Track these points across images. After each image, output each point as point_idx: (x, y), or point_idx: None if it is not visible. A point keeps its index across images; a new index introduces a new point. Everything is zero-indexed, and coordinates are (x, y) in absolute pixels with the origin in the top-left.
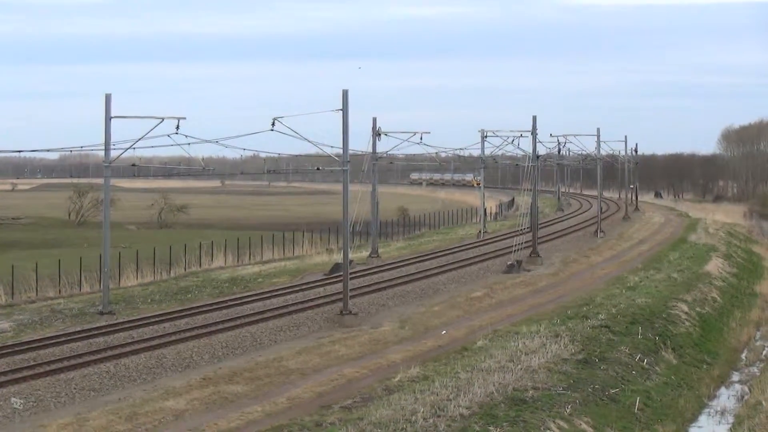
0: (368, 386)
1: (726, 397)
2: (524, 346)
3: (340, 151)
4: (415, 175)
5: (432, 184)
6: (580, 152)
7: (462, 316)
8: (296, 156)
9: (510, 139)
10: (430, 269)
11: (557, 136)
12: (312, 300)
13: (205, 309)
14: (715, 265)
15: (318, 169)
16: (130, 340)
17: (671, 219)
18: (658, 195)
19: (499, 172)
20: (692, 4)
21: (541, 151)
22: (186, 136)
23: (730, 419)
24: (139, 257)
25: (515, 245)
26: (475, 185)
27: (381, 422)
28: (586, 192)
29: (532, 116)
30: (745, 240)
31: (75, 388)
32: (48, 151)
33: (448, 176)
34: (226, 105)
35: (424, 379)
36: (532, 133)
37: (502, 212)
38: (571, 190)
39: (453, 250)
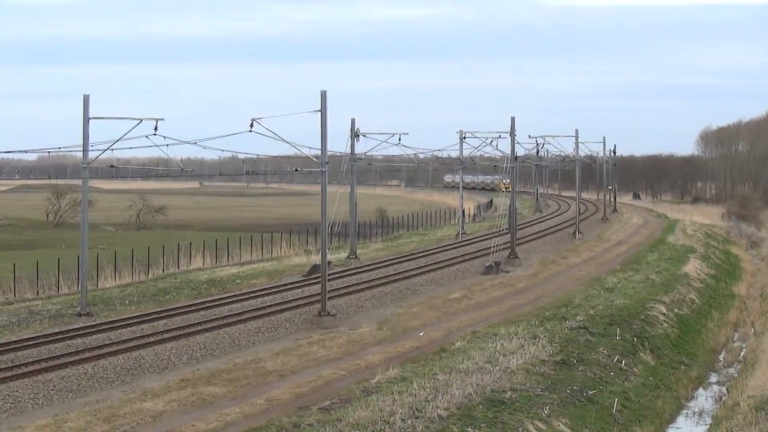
0: (346, 387)
1: (704, 398)
2: (502, 348)
3: (319, 152)
4: (449, 177)
5: (464, 188)
6: (558, 153)
7: (440, 317)
8: (275, 157)
9: (488, 140)
10: (409, 270)
11: (536, 137)
12: (290, 301)
13: (183, 310)
14: (693, 267)
15: (296, 170)
16: (108, 342)
17: (649, 220)
18: (636, 196)
19: (477, 173)
20: (669, 6)
21: (520, 152)
22: (164, 137)
23: (708, 420)
24: (117, 258)
25: (493, 246)
26: (503, 189)
27: (359, 423)
28: (564, 193)
29: (511, 117)
30: (723, 241)
31: (53, 390)
32: (26, 152)
33: (480, 178)
34: (205, 106)
35: (403, 381)
36: (510, 134)
37: (480, 213)
38: (550, 192)
39: (431, 252)
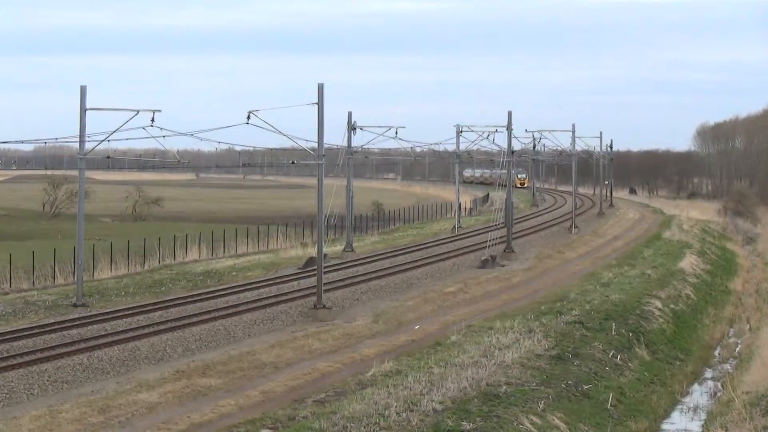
0: (341, 380)
1: (699, 394)
2: (498, 342)
3: (315, 145)
4: (468, 172)
5: (482, 183)
6: (555, 148)
7: (436, 310)
8: (271, 149)
9: (485, 135)
10: (404, 264)
11: (532, 132)
12: (286, 294)
13: (179, 302)
14: (689, 262)
15: (293, 162)
16: (103, 333)
17: (646, 215)
18: (632, 191)
19: (474, 166)
20: (668, 2)
21: (517, 146)
22: (161, 129)
23: (703, 416)
24: (114, 250)
25: (490, 240)
26: (518, 185)
27: (354, 416)
28: (561, 188)
29: (508, 112)
30: (720, 237)
31: (48, 380)
32: (22, 142)
33: (499, 173)
34: (202, 98)
35: (398, 374)
36: (507, 129)
37: (477, 207)
38: (546, 186)
39: (427, 245)
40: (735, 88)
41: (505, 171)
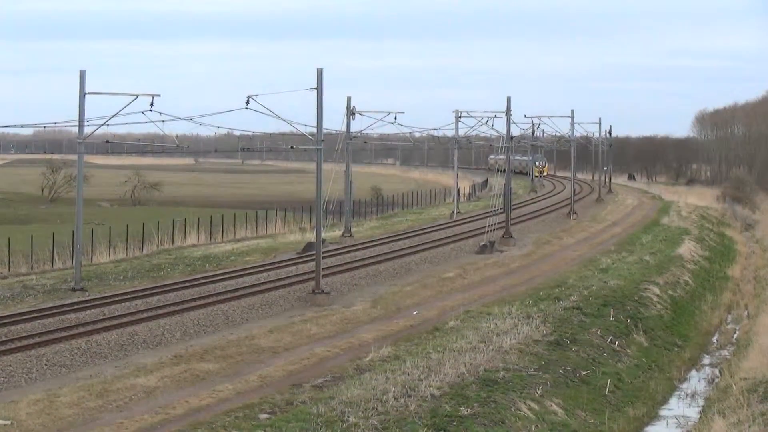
0: (340, 365)
1: (697, 380)
2: (496, 327)
3: (314, 130)
4: (493, 158)
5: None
6: (554, 134)
7: (434, 296)
8: (270, 134)
9: (484, 120)
10: (403, 249)
11: (531, 118)
12: (284, 279)
13: (177, 286)
14: (687, 248)
15: (292, 147)
16: (101, 317)
17: (644, 201)
18: (631, 177)
19: (473, 152)
20: None
21: (516, 132)
22: (160, 113)
23: (701, 402)
24: (112, 234)
25: (488, 226)
26: (537, 174)
27: (352, 401)
28: (559, 173)
29: (507, 97)
30: (718, 223)
31: (46, 365)
32: (21, 126)
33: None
34: (201, 83)
35: (396, 359)
36: (506, 114)
37: (475, 193)
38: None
39: (426, 230)
40: (734, 75)
41: (529, 158)
